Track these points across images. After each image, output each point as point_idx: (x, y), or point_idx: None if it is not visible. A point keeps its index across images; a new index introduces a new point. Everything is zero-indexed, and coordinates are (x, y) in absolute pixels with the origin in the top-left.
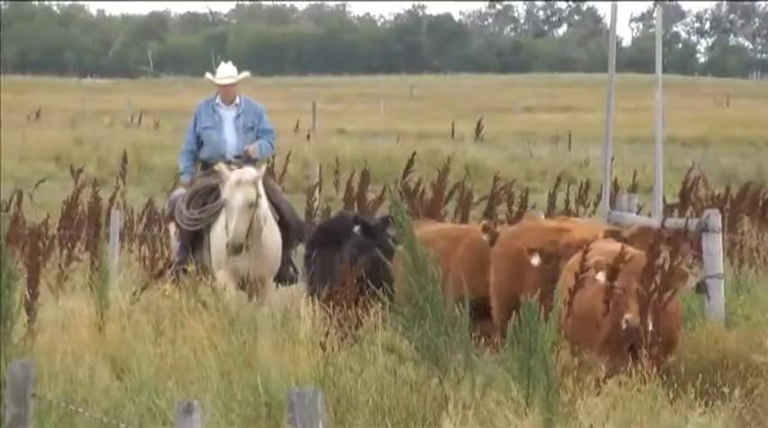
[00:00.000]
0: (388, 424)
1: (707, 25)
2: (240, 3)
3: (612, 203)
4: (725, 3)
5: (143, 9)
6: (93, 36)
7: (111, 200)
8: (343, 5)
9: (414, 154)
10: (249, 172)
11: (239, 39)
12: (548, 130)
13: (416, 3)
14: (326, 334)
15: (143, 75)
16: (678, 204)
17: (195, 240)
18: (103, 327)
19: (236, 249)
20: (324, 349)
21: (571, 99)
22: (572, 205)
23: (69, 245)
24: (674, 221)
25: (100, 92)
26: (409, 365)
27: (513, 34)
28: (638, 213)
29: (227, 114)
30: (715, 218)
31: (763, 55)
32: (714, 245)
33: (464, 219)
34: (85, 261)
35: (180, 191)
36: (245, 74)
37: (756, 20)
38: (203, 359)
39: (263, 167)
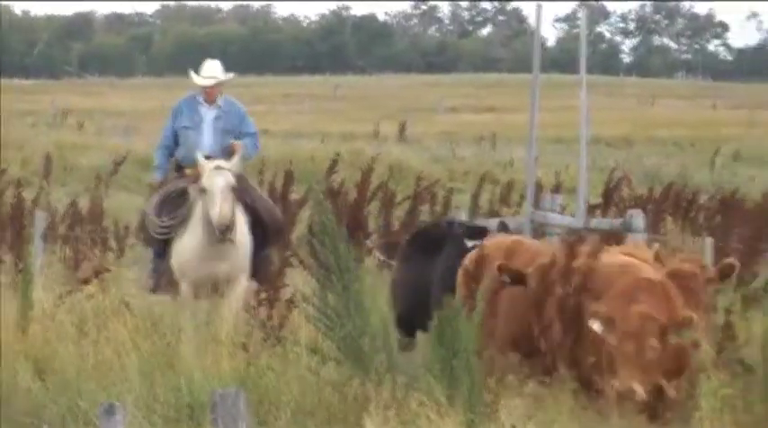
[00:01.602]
0: (309, 425)
1: (631, 25)
2: (165, 3)
3: (536, 203)
4: (649, 3)
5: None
6: (17, 36)
7: (35, 200)
8: (268, 6)
9: (337, 154)
10: (225, 162)
11: (164, 39)
12: (472, 131)
13: (341, 3)
14: (249, 335)
15: (67, 76)
16: (601, 204)
17: (167, 247)
18: (27, 328)
19: (223, 232)
20: (246, 350)
21: (495, 99)
22: (495, 206)
23: None
24: (597, 221)
25: (24, 92)
26: (331, 365)
27: (437, 34)
28: (561, 213)
29: (208, 115)
30: (638, 218)
31: (688, 55)
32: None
33: (386, 219)
34: (9, 262)
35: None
36: (230, 75)
37: (681, 20)
38: (126, 360)
39: (237, 156)
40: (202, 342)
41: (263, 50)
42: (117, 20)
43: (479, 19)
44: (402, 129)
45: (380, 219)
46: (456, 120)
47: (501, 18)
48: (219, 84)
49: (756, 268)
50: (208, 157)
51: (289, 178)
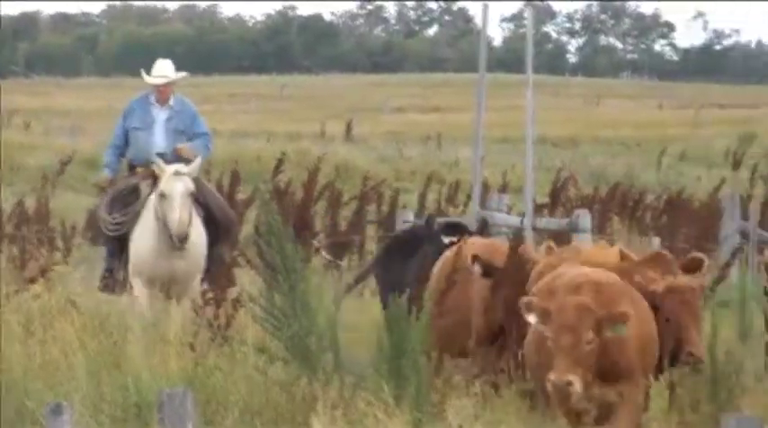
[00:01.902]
0: (257, 424)
1: (577, 25)
2: (111, 3)
3: (483, 203)
4: (595, 3)
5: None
6: None
7: None
8: (214, 6)
9: (284, 154)
10: (184, 166)
11: (110, 39)
12: (418, 131)
13: (287, 3)
14: (196, 335)
15: (13, 76)
16: (548, 204)
17: (122, 245)
18: None
19: (181, 240)
20: (193, 349)
21: (441, 99)
22: (442, 205)
23: None
24: (544, 221)
25: None
26: (279, 365)
27: (383, 34)
28: (508, 213)
29: (160, 115)
30: (584, 218)
31: (634, 55)
32: (583, 244)
33: (333, 218)
34: None
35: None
36: (182, 74)
37: (627, 20)
38: (73, 359)
39: (198, 161)
40: (150, 341)
41: (209, 50)
42: (63, 20)
43: (425, 19)
44: (348, 128)
45: (327, 219)
46: (402, 119)
47: (447, 18)
48: (171, 84)
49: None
50: (160, 155)
51: (235, 178)
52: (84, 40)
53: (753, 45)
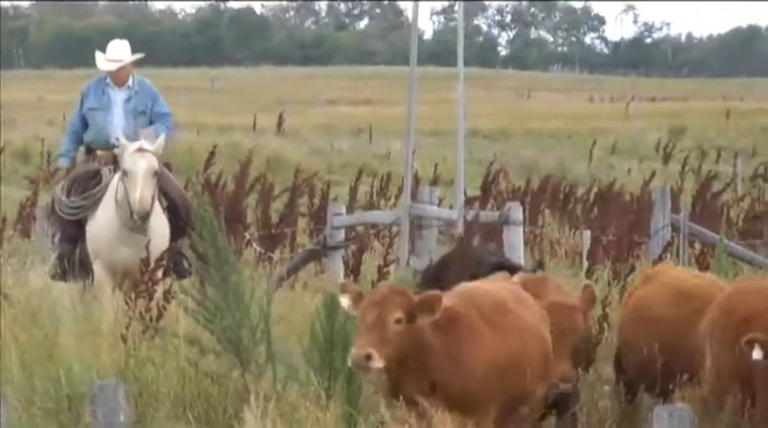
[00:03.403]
0: (189, 417)
1: (508, 18)
2: None
3: (414, 196)
4: None
5: None
6: None
7: None
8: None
9: (215, 146)
10: (148, 143)
11: (41, 32)
12: (349, 123)
13: None
14: (128, 327)
15: None
16: (479, 197)
17: (77, 231)
18: None
19: (142, 218)
20: (125, 341)
21: (372, 92)
22: (373, 198)
23: None
24: (475, 214)
25: None
26: (211, 357)
27: (314, 27)
28: (439, 205)
29: (118, 96)
30: (516, 210)
31: (564, 48)
32: (515, 237)
33: (265, 211)
34: None
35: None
36: (138, 55)
37: (557, 13)
38: (4, 351)
39: (162, 138)
40: (82, 333)
41: (140, 43)
42: None
43: (356, 12)
44: (280, 121)
45: (259, 212)
46: (333, 112)
47: (377, 11)
48: (124, 67)
49: (633, 260)
50: (114, 146)
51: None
52: (15, 32)
53: (683, 38)
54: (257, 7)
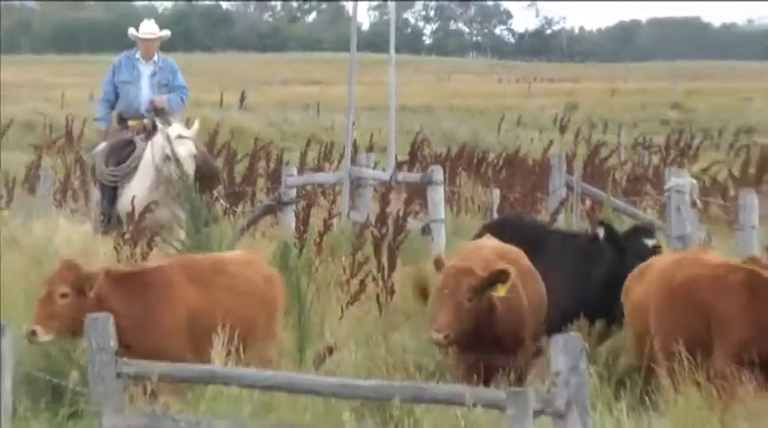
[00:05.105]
0: None
1: (432, 13)
2: None
3: (353, 160)
4: None
5: None
6: None
7: None
8: None
9: (188, 119)
10: (185, 129)
11: (43, 23)
12: (300, 100)
13: None
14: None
15: None
16: (408, 162)
17: (114, 194)
18: None
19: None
20: None
21: (320, 74)
22: (320, 162)
23: None
24: (404, 175)
25: None
26: None
27: (271, 20)
28: (374, 169)
29: (145, 70)
30: (438, 173)
31: (478, 38)
32: (437, 195)
33: (230, 173)
34: None
35: (100, 146)
36: (166, 32)
37: (473, 8)
38: (12, 289)
39: (197, 124)
40: None
41: (126, 34)
42: (4, 7)
43: (306, 7)
44: (242, 98)
45: (224, 173)
46: (287, 91)
47: (323, 6)
48: (157, 39)
49: (534, 214)
50: (143, 116)
51: None
52: (22, 22)
53: (576, 30)
54: (224, 4)
